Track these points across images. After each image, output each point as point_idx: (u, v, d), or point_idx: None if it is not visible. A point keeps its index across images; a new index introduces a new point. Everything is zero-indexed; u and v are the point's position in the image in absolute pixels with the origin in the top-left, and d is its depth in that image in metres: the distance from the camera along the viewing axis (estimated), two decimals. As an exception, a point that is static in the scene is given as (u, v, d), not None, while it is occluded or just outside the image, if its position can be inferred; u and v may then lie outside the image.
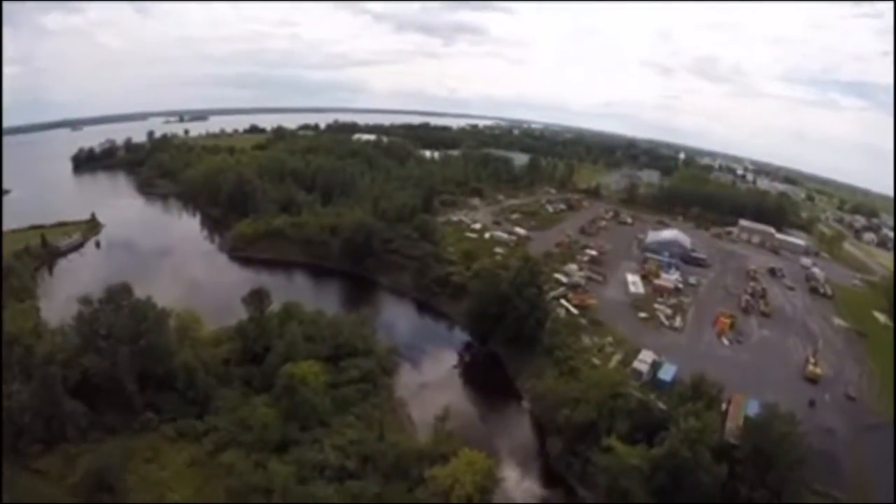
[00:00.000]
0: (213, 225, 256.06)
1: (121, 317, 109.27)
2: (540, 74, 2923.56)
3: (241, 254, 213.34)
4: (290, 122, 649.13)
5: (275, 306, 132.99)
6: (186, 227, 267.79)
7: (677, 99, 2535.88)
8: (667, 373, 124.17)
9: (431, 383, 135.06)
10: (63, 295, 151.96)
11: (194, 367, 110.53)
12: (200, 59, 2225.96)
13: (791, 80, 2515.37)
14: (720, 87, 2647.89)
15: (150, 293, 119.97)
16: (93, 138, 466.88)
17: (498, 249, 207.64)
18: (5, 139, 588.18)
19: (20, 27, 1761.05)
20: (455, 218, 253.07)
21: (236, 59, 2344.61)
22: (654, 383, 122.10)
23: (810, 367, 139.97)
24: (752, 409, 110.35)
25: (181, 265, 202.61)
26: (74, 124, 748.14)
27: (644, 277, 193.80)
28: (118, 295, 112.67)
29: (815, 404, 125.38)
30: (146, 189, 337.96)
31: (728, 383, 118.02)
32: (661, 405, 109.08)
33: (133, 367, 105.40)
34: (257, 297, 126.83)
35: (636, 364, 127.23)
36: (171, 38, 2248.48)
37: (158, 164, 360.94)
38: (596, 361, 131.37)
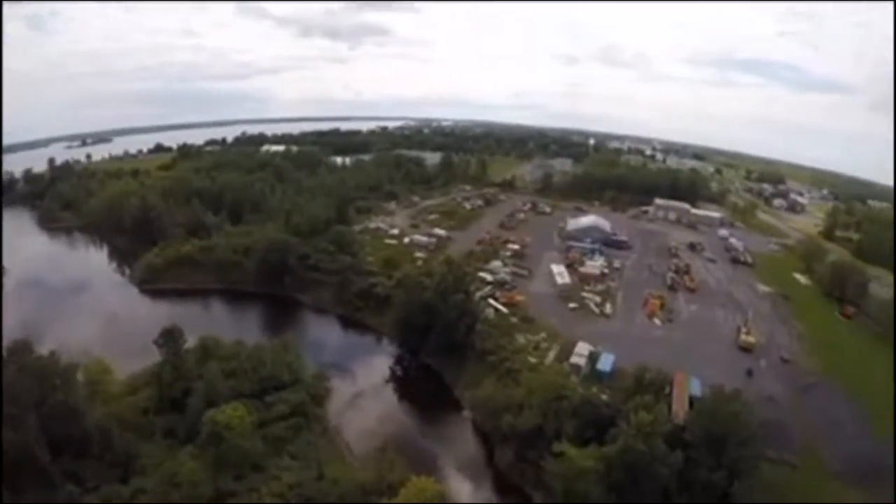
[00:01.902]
0: (121, 256, 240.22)
1: (23, 378, 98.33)
2: (448, 71, 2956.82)
3: (152, 286, 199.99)
4: (197, 137, 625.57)
5: (192, 341, 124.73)
6: (93, 261, 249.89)
7: (584, 87, 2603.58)
8: (605, 363, 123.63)
9: (366, 404, 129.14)
10: None
11: (108, 426, 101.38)
12: (102, 75, 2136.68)
13: (693, 63, 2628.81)
14: (625, 72, 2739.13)
15: (57, 340, 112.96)
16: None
17: (419, 254, 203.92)
18: None
19: None
20: (372, 225, 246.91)
21: (139, 74, 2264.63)
22: (593, 375, 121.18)
23: (743, 337, 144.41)
24: (696, 388, 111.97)
25: (89, 304, 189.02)
26: None
27: (569, 266, 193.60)
28: (18, 354, 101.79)
29: (753, 373, 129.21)
30: (48, 224, 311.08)
31: (667, 364, 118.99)
32: (605, 398, 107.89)
33: (43, 434, 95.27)
34: (170, 337, 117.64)
35: (573, 358, 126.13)
36: (70, 54, 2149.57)
37: (59, 195, 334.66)
38: (532, 360, 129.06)
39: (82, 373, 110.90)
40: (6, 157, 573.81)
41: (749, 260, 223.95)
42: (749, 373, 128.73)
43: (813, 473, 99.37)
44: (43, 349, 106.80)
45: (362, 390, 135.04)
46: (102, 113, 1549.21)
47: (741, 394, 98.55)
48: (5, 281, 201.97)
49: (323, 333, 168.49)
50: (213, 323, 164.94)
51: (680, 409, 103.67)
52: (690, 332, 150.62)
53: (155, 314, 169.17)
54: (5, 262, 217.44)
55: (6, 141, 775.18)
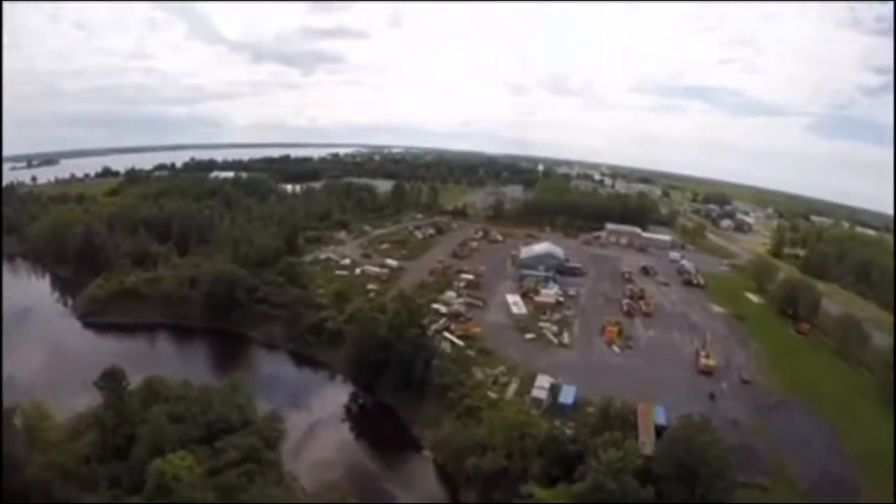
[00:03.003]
0: (64, 286, 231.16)
1: None
2: (398, 98, 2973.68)
3: (96, 319, 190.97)
4: (147, 162, 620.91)
5: (137, 381, 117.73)
6: (35, 291, 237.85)
7: (533, 115, 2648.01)
8: (567, 395, 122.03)
9: (322, 446, 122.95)
10: None
11: (48, 477, 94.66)
12: (50, 95, 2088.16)
13: (638, 90, 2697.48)
14: (573, 100, 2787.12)
15: None
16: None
17: (371, 285, 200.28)
18: None
19: None
20: (322, 255, 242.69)
21: (89, 96, 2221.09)
22: (556, 408, 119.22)
23: (703, 360, 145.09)
24: (660, 416, 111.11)
25: (30, 337, 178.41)
26: None
27: (524, 295, 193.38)
28: None
29: (716, 396, 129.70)
30: None
31: (629, 391, 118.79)
32: (570, 432, 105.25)
33: None
34: (112, 378, 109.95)
35: (534, 392, 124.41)
36: (16, 70, 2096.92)
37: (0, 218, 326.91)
38: (492, 395, 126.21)
39: (19, 417, 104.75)
40: None
41: (701, 282, 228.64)
42: (711, 396, 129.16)
43: (784, 493, 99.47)
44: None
45: (317, 431, 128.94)
46: (50, 134, 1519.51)
47: (710, 423, 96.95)
48: None
49: (274, 370, 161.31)
50: (158, 360, 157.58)
51: (647, 440, 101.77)
52: (650, 357, 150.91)
53: (98, 350, 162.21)
54: None
55: None
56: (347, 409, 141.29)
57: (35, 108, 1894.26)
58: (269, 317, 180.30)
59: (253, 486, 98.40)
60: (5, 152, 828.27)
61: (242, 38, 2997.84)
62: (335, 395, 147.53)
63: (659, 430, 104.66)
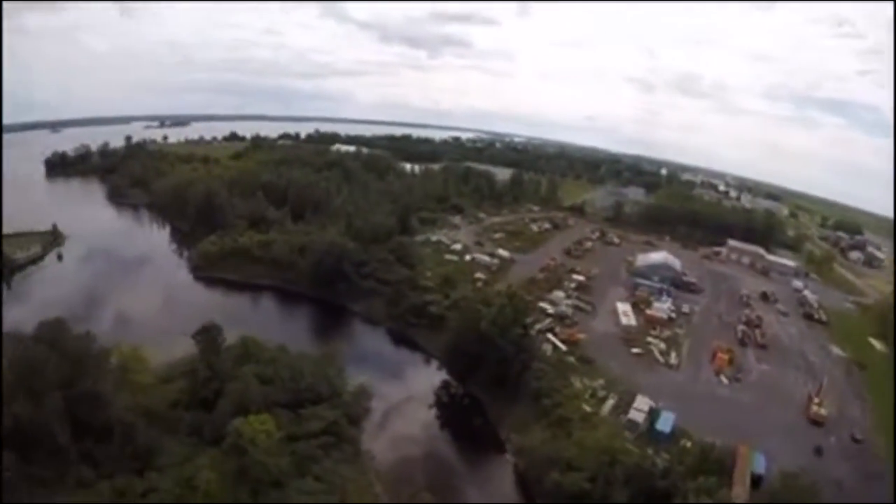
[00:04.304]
0: (182, 239, 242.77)
1: (53, 358, 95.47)
2: (523, 87, 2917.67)
3: (205, 273, 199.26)
4: (272, 130, 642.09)
5: (234, 337, 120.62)
6: (154, 240, 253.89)
7: (658, 114, 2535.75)
8: (665, 423, 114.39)
9: (404, 430, 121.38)
10: (13, 316, 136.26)
11: (132, 419, 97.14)
12: (184, 64, 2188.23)
13: (771, 98, 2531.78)
14: (701, 102, 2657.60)
15: (102, 318, 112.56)
16: (72, 141, 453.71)
17: (479, 274, 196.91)
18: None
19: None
20: (434, 238, 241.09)
21: (220, 65, 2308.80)
22: (651, 435, 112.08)
23: (815, 408, 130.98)
24: (760, 465, 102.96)
25: (142, 284, 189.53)
26: (54, 126, 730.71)
27: (635, 306, 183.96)
28: (52, 332, 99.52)
29: (822, 451, 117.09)
30: (117, 198, 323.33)
31: (730, 429, 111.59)
32: (660, 462, 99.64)
33: (66, 415, 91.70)
34: (208, 334, 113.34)
35: (632, 413, 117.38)
36: (156, 41, 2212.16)
37: (130, 172, 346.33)
38: (587, 408, 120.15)
39: (116, 357, 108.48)
40: (85, 129, 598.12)
41: (823, 317, 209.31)
42: (818, 451, 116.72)
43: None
44: (95, 317, 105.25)
45: (403, 414, 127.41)
46: (182, 98, 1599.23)
47: (817, 488, 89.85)
48: (79, 246, 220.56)
49: (370, 346, 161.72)
50: (259, 320, 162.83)
51: (741, 490, 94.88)
52: (758, 394, 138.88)
53: (203, 302, 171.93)
54: (81, 228, 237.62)
55: (84, 114, 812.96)
56: (437, 396, 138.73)
57: (170, 74, 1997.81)
58: (374, 293, 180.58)
59: (328, 458, 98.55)
60: (140, 112, 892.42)
61: (371, 18, 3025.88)
62: (427, 380, 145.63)
63: (756, 480, 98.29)
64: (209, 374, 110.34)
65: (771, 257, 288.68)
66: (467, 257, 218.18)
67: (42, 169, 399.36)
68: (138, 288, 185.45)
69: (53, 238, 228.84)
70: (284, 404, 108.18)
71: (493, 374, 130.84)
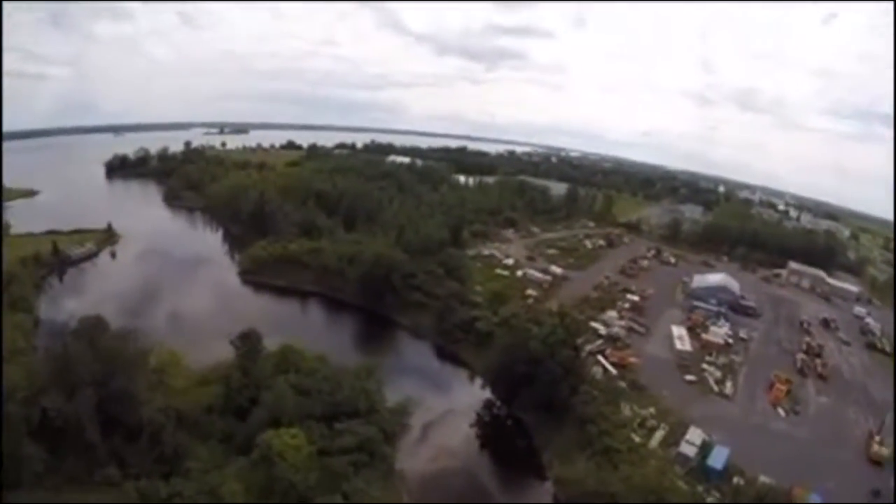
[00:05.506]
0: (234, 243, 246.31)
1: (90, 355, 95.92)
2: (579, 101, 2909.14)
3: (253, 277, 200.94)
4: (328, 139, 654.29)
5: (274, 343, 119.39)
6: (207, 243, 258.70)
7: (716, 130, 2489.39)
8: (718, 458, 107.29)
9: (442, 449, 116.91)
10: (66, 308, 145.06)
11: (162, 421, 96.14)
12: (244, 73, 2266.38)
13: (833, 113, 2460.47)
14: (760, 118, 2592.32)
15: (148, 315, 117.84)
16: (133, 144, 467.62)
17: (531, 291, 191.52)
18: (49, 140, 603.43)
19: (70, 32, 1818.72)
20: (486, 251, 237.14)
21: (279, 75, 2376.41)
22: (702, 470, 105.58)
23: (875, 447, 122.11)
24: None
25: (190, 285, 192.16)
26: (118, 130, 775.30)
27: (691, 330, 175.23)
28: (90, 329, 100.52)
29: (881, 494, 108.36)
30: (172, 200, 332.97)
31: (785, 466, 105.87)
32: (711, 502, 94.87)
33: (97, 412, 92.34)
34: (247, 340, 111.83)
35: (683, 447, 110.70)
36: (217, 50, 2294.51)
37: (186, 175, 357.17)
38: (636, 439, 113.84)
39: (153, 358, 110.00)
40: (147, 134, 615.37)
41: (887, 347, 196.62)
42: (876, 493, 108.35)
43: None
44: (139, 313, 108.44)
45: (443, 431, 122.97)
46: (242, 106, 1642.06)
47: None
48: (133, 245, 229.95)
49: (414, 361, 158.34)
50: (303, 327, 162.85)
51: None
52: (816, 430, 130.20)
53: (250, 306, 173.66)
54: (136, 228, 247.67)
55: (147, 119, 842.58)
56: (479, 415, 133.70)
57: (230, 82, 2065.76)
58: (421, 306, 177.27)
59: (358, 477, 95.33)
60: (200, 119, 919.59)
61: (428, 31, 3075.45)
62: (470, 398, 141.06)
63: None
64: (244, 382, 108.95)
65: (833, 281, 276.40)
66: (519, 273, 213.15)
67: (102, 171, 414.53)
68: (185, 288, 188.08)
69: (108, 236, 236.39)
70: (319, 417, 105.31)
71: (539, 397, 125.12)
